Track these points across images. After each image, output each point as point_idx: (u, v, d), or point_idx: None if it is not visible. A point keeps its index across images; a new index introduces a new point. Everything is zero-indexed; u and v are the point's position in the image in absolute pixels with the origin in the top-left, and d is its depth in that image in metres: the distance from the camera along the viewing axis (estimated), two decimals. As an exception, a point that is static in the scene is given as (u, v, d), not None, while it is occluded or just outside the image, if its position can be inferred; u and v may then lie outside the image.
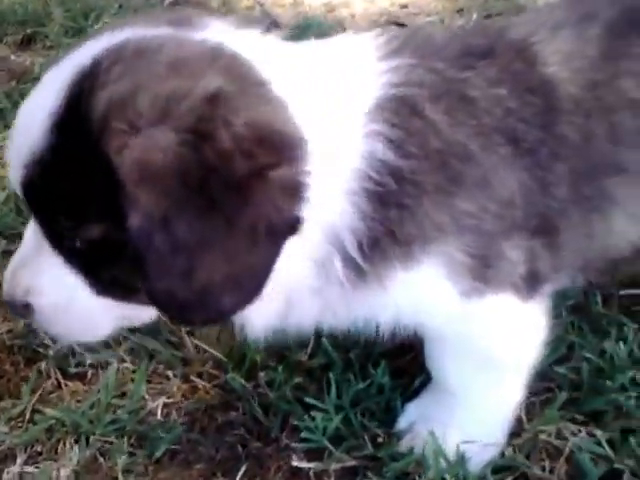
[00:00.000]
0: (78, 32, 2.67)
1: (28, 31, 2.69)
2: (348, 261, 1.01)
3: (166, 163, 0.86)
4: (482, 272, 1.04)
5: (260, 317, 1.05)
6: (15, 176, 0.97)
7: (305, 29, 2.64)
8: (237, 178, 0.88)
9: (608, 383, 1.25)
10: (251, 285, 0.92)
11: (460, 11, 2.79)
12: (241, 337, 1.14)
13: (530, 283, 1.09)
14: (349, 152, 0.99)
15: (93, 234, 0.93)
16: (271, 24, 2.74)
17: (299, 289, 1.04)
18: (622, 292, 1.42)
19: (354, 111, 1.01)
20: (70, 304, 1.01)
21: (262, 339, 1.10)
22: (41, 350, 1.43)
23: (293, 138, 0.93)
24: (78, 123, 0.91)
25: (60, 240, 0.97)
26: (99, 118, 0.89)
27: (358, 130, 1.00)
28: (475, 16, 2.72)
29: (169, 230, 0.86)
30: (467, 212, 1.03)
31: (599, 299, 1.40)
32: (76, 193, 0.92)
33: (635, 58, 1.14)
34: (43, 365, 1.41)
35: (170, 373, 1.39)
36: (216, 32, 1.01)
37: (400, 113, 1.02)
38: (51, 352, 1.42)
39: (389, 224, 1.00)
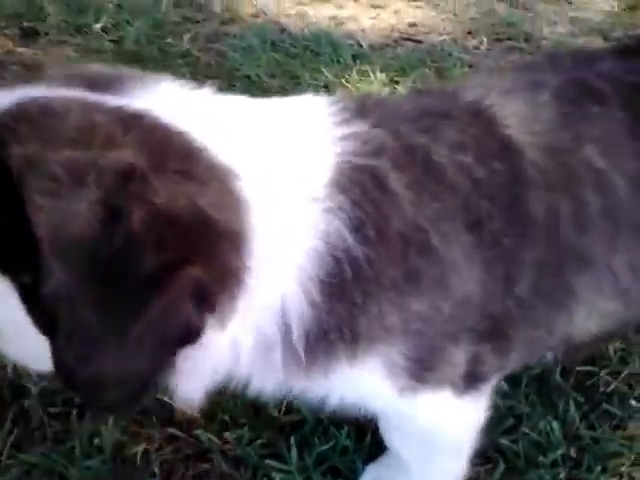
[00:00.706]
0: (78, 28, 2.92)
1: (24, 24, 2.90)
2: (290, 351, 1.02)
3: (79, 236, 0.85)
4: (420, 374, 1.09)
5: (191, 392, 1.06)
6: None
7: (315, 40, 2.88)
8: (141, 272, 0.86)
9: (541, 458, 1.45)
10: (134, 388, 0.92)
11: (470, 33, 3.01)
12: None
13: (469, 382, 1.16)
14: (304, 230, 0.98)
15: (25, 280, 0.92)
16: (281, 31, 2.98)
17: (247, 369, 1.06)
18: (578, 368, 1.62)
19: (311, 182, 1.00)
20: (18, 335, 1.01)
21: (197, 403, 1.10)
22: (28, 386, 1.57)
23: (222, 225, 0.90)
24: None
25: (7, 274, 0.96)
26: (16, 175, 0.88)
27: (315, 205, 0.99)
28: (485, 39, 2.96)
29: (74, 308, 0.86)
30: (418, 314, 1.05)
31: (558, 371, 1.60)
32: (3, 237, 0.91)
33: (592, 123, 1.20)
34: (28, 402, 1.55)
35: (154, 418, 1.55)
36: (144, 98, 0.98)
37: (362, 185, 1.01)
38: (33, 391, 1.56)
39: (339, 319, 1.01)
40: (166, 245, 0.86)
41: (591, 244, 1.17)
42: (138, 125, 0.92)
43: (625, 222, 1.20)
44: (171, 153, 0.92)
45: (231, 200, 0.93)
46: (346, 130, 1.05)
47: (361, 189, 1.01)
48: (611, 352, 1.67)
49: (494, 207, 1.10)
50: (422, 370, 1.09)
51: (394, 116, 1.13)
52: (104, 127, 0.91)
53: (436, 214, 1.05)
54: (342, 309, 1.01)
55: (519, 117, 1.17)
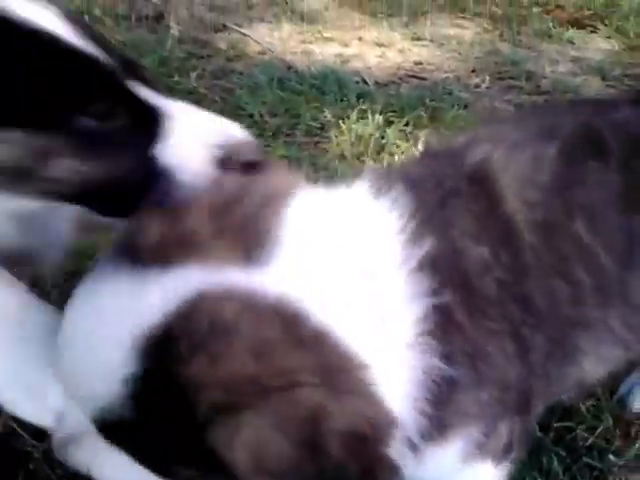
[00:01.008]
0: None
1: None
2: (414, 453, 1.19)
3: (283, 466, 1.00)
4: (482, 444, 1.29)
5: None
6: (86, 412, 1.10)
7: (322, 78, 2.99)
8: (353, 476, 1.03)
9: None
10: None
11: (474, 71, 3.15)
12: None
13: (505, 453, 1.36)
14: (410, 371, 1.15)
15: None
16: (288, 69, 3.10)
17: None
18: (556, 424, 1.75)
19: (404, 333, 1.16)
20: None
21: None
22: (29, 450, 1.61)
23: (382, 422, 1.06)
24: (164, 403, 1.01)
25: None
26: (202, 415, 0.99)
27: (411, 351, 1.15)
28: (487, 77, 3.09)
29: None
30: (485, 401, 1.25)
31: (536, 427, 1.70)
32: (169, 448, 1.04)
33: (586, 187, 1.32)
34: (33, 465, 1.60)
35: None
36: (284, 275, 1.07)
37: (439, 325, 1.18)
38: (36, 454, 1.60)
39: (442, 418, 1.20)
40: (361, 455, 1.03)
41: (588, 312, 1.33)
42: (298, 332, 1.04)
43: (615, 292, 1.36)
44: (332, 365, 1.05)
45: (374, 397, 1.07)
46: (414, 255, 1.19)
47: (439, 329, 1.18)
48: (583, 409, 1.80)
49: (518, 310, 1.27)
50: (486, 443, 1.30)
51: (428, 209, 1.24)
52: (277, 348, 1.02)
53: (491, 332, 1.25)
54: (443, 411, 1.20)
55: (517, 183, 1.30)
